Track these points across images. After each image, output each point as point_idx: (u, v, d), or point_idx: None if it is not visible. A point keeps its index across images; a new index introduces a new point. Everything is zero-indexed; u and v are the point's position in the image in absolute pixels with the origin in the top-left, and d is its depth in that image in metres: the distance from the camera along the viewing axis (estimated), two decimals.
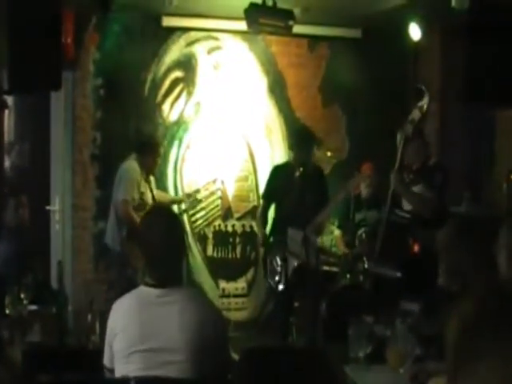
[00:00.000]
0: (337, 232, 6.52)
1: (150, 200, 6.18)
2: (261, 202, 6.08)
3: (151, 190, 6.26)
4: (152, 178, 6.38)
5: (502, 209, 5.45)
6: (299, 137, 5.88)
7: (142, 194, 6.09)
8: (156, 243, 2.86)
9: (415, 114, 4.79)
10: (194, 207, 7.11)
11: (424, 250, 4.49)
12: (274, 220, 5.95)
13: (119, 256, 6.14)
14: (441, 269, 2.90)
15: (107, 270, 6.69)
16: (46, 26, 4.11)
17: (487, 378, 0.99)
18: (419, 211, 4.73)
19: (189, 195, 7.00)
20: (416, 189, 4.97)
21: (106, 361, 2.88)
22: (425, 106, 4.72)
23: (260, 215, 6.06)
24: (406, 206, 4.89)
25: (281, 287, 5.51)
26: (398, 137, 4.88)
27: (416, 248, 4.58)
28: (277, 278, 5.61)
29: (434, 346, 3.00)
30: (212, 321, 2.81)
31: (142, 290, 2.95)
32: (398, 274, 4.48)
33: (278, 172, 5.98)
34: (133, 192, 5.99)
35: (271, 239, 6.04)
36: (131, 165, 6.12)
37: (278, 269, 5.66)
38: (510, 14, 4.74)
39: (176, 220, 3.15)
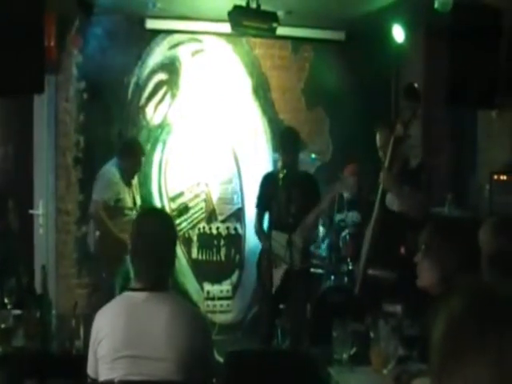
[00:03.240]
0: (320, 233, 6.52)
1: (129, 205, 6.16)
2: (255, 211, 6.05)
3: (133, 196, 6.26)
4: (135, 183, 6.37)
5: (484, 211, 5.47)
6: (285, 138, 5.84)
7: (120, 200, 6.08)
8: (147, 245, 2.82)
9: (406, 114, 4.62)
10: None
11: (411, 252, 4.39)
12: (268, 227, 5.93)
13: (94, 257, 6.22)
14: (419, 270, 2.90)
15: (90, 274, 6.69)
16: (28, 29, 4.09)
17: (473, 376, 1.00)
18: (410, 212, 4.58)
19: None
20: None
21: (89, 371, 2.84)
22: (417, 106, 4.56)
23: (254, 225, 6.04)
24: (391, 206, 4.80)
25: (273, 289, 5.48)
26: (377, 136, 4.80)
27: (403, 250, 4.53)
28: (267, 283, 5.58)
29: (417, 347, 3.01)
30: (199, 331, 2.77)
31: (127, 295, 2.92)
32: (394, 276, 4.40)
33: (266, 180, 5.95)
34: (105, 194, 6.00)
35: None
36: (108, 168, 6.14)
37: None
38: (493, 16, 4.78)
39: (169, 222, 3.07)
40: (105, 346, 2.74)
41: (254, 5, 6.01)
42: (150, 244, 2.82)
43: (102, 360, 2.75)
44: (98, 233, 6.06)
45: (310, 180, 5.84)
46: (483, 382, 0.99)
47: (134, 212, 6.15)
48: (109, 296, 5.52)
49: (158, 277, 2.83)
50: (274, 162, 7.09)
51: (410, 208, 4.55)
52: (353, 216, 6.23)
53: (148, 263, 2.83)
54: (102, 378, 2.76)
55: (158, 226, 2.89)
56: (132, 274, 6.17)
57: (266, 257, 5.53)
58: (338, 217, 6.26)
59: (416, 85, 4.89)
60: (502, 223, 3.10)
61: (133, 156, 6.19)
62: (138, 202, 6.35)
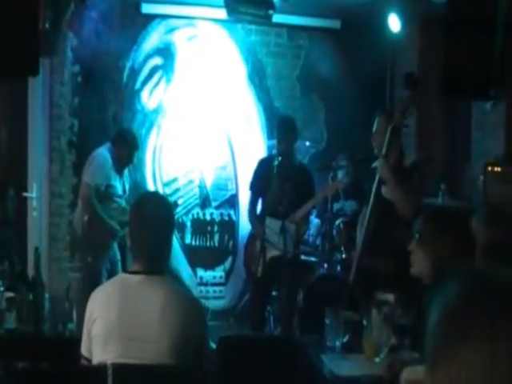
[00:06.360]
0: (314, 222, 6.53)
1: (119, 192, 6.12)
2: (249, 194, 6.06)
3: (123, 184, 6.22)
4: (126, 172, 6.32)
5: (478, 202, 5.48)
6: (281, 126, 5.83)
7: (110, 186, 6.04)
8: (145, 229, 2.83)
9: (405, 103, 4.57)
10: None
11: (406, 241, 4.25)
12: (260, 212, 5.93)
13: (81, 241, 6.16)
14: (413, 259, 2.91)
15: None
16: (23, 12, 4.06)
17: (466, 364, 1.00)
18: (400, 210, 4.48)
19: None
20: None
21: (83, 350, 2.84)
22: (415, 94, 4.50)
23: (248, 209, 6.04)
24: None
25: (258, 275, 5.49)
26: (376, 120, 4.72)
27: (398, 239, 4.48)
28: (253, 267, 5.61)
29: (409, 336, 3.03)
30: (193, 316, 2.78)
31: (122, 276, 2.94)
32: (389, 265, 4.36)
33: (261, 164, 5.95)
34: (98, 178, 5.94)
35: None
36: (101, 152, 6.08)
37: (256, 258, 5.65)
38: (489, 6, 4.77)
39: (167, 206, 3.09)
40: (98, 327, 2.75)
41: None
42: (148, 227, 2.83)
43: (95, 340, 2.76)
44: (86, 217, 6.01)
45: (304, 173, 5.82)
46: (476, 370, 1.00)
47: (124, 200, 6.13)
48: (92, 280, 5.55)
49: (155, 260, 2.84)
50: (269, 149, 7.09)
51: (401, 207, 4.45)
52: (351, 205, 6.24)
53: (145, 246, 2.84)
54: (95, 359, 2.77)
55: (155, 209, 2.89)
56: (117, 258, 6.21)
57: (259, 242, 5.54)
58: (335, 206, 6.27)
59: (415, 74, 4.85)
60: (494, 212, 3.11)
61: (125, 148, 6.10)
62: (128, 191, 6.31)
